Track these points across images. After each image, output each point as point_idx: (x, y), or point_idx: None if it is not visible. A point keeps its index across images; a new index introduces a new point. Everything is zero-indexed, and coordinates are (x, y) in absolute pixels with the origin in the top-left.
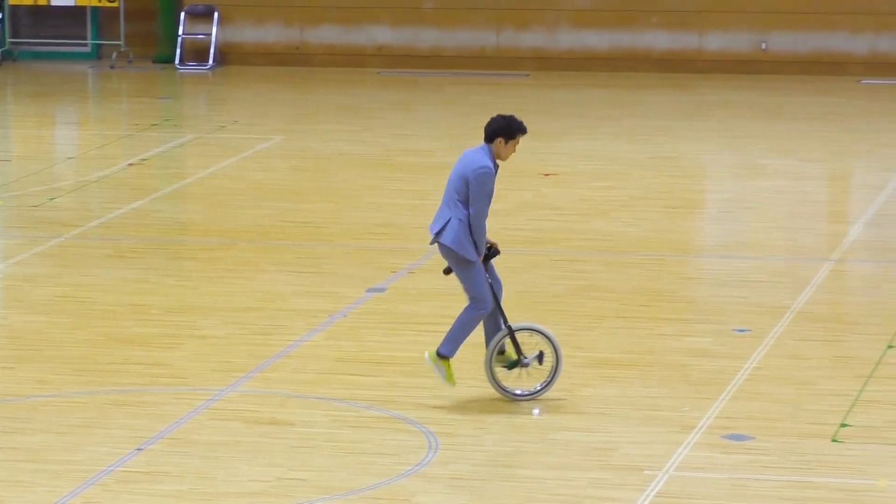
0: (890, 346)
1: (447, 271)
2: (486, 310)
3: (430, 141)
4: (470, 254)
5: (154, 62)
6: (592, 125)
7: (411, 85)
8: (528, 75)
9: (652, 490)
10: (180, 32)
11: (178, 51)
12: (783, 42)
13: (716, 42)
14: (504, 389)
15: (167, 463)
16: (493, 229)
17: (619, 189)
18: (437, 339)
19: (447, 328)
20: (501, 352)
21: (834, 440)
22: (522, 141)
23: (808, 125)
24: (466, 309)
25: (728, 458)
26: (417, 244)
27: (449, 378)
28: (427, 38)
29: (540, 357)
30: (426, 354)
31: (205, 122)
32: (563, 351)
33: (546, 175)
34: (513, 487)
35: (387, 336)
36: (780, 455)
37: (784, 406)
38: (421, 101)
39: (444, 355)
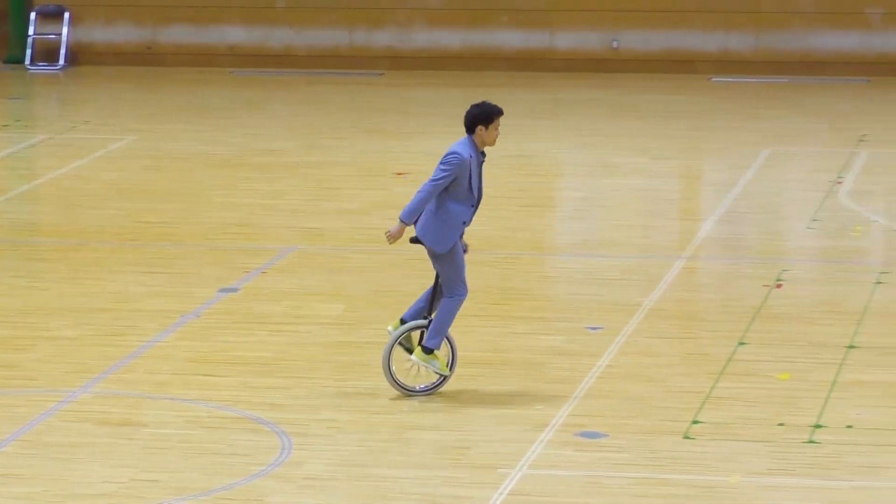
0: (741, 343)
1: (413, 240)
2: (465, 295)
3: (283, 140)
4: (436, 245)
5: (4, 63)
6: (446, 124)
7: (264, 84)
8: (381, 74)
9: (505, 488)
10: (30, 32)
11: (29, 51)
12: (634, 40)
13: (567, 41)
14: (397, 382)
15: (19, 465)
16: (343, 228)
17: None
18: (290, 339)
19: (300, 327)
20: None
21: (686, 437)
22: (375, 140)
23: (660, 123)
24: (445, 299)
25: (581, 456)
26: (271, 244)
27: (443, 368)
28: (279, 37)
29: (440, 374)
30: (413, 357)
31: (56, 122)
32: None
33: (399, 174)
34: (367, 487)
35: (239, 336)
36: (633, 452)
37: (636, 403)
38: (274, 101)
39: (430, 349)
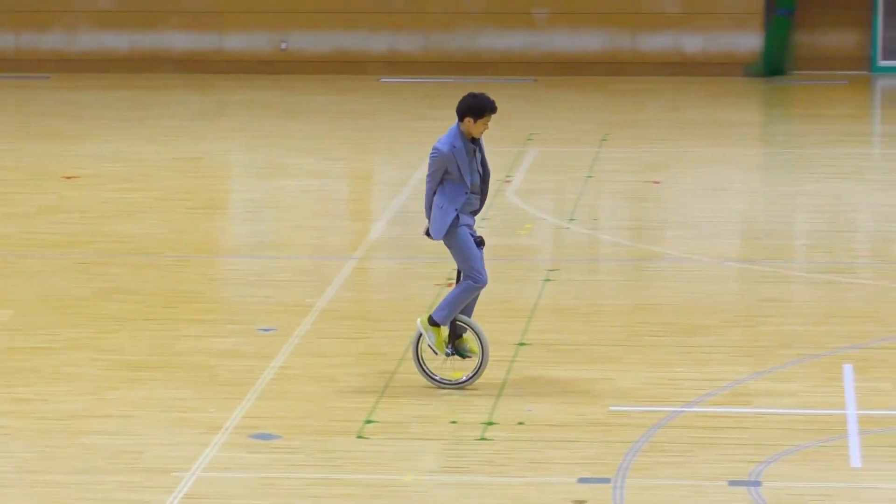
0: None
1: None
2: (480, 282)
3: None
4: (433, 232)
5: None
6: (115, 127)
7: None
8: (48, 77)
9: (180, 491)
10: None
11: None
12: (303, 42)
13: (236, 42)
14: (426, 372)
15: None
16: (11, 233)
17: (143, 191)
18: None
19: None
20: (459, 336)
21: (359, 436)
22: (43, 144)
23: (330, 124)
24: (461, 282)
25: (255, 458)
26: None
27: (438, 346)
28: None
29: (461, 353)
30: (418, 321)
31: None
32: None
33: (68, 178)
34: (41, 493)
35: None
36: (307, 453)
37: (310, 404)
38: None
39: (436, 322)
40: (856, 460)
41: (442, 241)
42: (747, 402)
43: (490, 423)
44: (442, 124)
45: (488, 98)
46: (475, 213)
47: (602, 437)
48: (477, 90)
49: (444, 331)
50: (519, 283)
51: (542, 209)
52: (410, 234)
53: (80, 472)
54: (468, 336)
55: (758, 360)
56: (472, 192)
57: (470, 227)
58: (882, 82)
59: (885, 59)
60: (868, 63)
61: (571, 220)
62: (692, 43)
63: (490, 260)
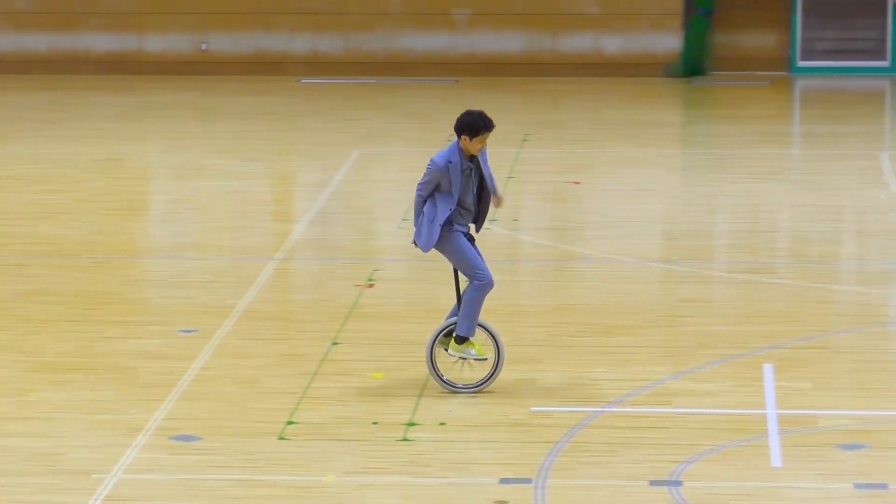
0: (335, 343)
1: None
2: (486, 280)
3: None
4: (420, 242)
5: None
6: (35, 128)
7: None
8: None
9: (101, 493)
10: None
11: None
12: (224, 43)
13: (156, 43)
14: (441, 379)
15: None
16: None
17: (63, 192)
18: None
19: None
20: (448, 334)
21: (281, 437)
22: None
23: (250, 125)
24: (468, 286)
25: (176, 459)
26: None
27: (480, 352)
28: None
29: (478, 359)
30: (450, 351)
31: None
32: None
33: None
34: None
35: None
36: (228, 454)
37: (231, 405)
38: None
39: (465, 336)
40: (776, 460)
41: (419, 247)
42: (668, 402)
43: (412, 424)
44: (363, 125)
45: (484, 116)
46: (467, 227)
47: (523, 437)
48: (391, 90)
49: (473, 343)
50: (439, 284)
51: None
52: (331, 235)
53: (1, 474)
54: (474, 340)
55: (678, 361)
56: (463, 208)
57: (464, 231)
58: (801, 83)
59: (803, 59)
60: (787, 63)
61: (492, 220)
62: (612, 44)
63: (410, 261)
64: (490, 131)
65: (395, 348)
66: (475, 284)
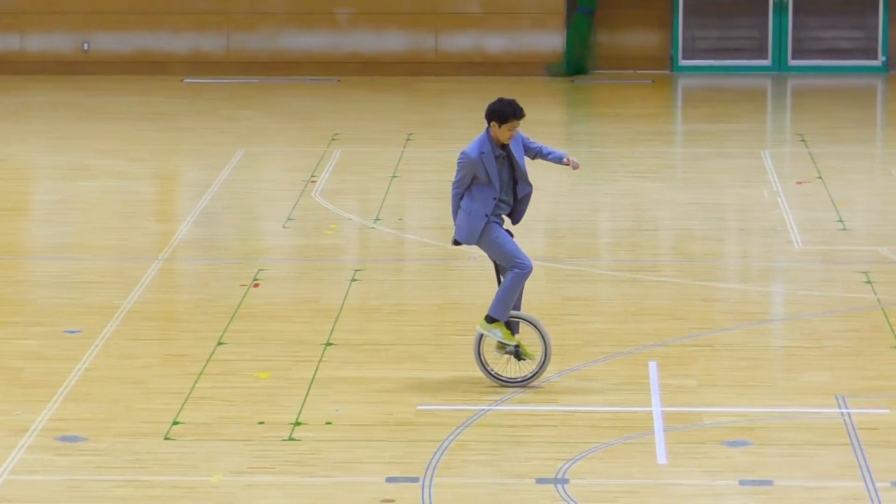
0: (220, 343)
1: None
2: (526, 268)
3: None
4: (462, 236)
5: None
6: None
7: None
8: None
9: None
10: None
11: None
12: (106, 42)
13: (37, 43)
14: (489, 372)
15: None
16: None
17: None
18: None
19: None
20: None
21: (167, 438)
22: None
23: (133, 125)
24: (508, 274)
25: (62, 460)
26: None
27: (507, 336)
28: None
29: (518, 355)
30: (478, 327)
31: None
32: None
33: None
34: None
35: None
36: (114, 455)
37: (116, 406)
38: None
39: (495, 318)
40: (662, 457)
41: (459, 241)
42: (554, 400)
43: (298, 424)
44: (247, 124)
45: (515, 104)
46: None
47: (410, 436)
48: (274, 89)
49: (503, 325)
50: (325, 283)
51: (348, 209)
52: (216, 234)
53: None
54: (520, 339)
55: (564, 359)
56: (496, 198)
57: (499, 220)
58: (683, 81)
59: (685, 58)
60: (669, 62)
61: (377, 219)
62: (494, 43)
63: (296, 260)
64: (519, 119)
65: (281, 348)
66: (515, 273)
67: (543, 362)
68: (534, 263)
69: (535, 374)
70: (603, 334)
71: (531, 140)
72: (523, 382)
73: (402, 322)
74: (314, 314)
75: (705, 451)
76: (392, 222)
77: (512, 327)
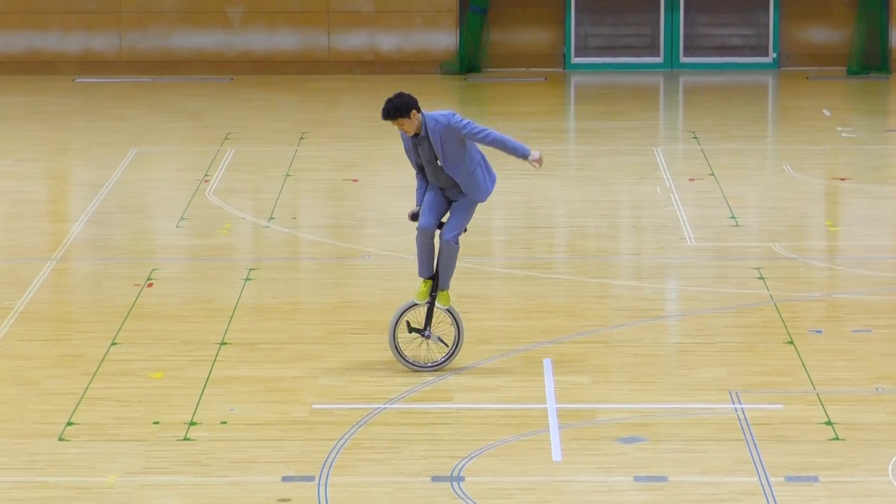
0: (114, 343)
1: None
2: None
3: None
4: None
5: None
6: None
7: None
8: None
9: None
10: None
11: None
12: None
13: None
14: (404, 358)
15: None
16: None
17: None
18: None
19: None
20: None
21: (61, 439)
22: None
23: (24, 125)
24: (451, 247)
25: None
26: None
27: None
28: None
29: (440, 339)
30: (438, 306)
31: None
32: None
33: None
34: None
35: None
36: (9, 456)
37: (10, 407)
38: None
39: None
40: (557, 454)
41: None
42: (449, 398)
43: (193, 424)
44: (139, 124)
45: (385, 104)
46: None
47: (305, 435)
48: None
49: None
50: (219, 282)
51: (242, 208)
52: (109, 235)
53: None
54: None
55: (459, 357)
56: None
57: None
58: (576, 79)
59: (578, 56)
60: (562, 60)
61: (271, 218)
62: (387, 41)
63: (190, 260)
64: (385, 120)
65: (175, 347)
66: (453, 246)
67: (456, 346)
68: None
69: (449, 358)
70: (497, 332)
71: (471, 127)
72: (435, 367)
73: (296, 321)
74: (208, 314)
75: (600, 448)
76: (286, 221)
77: (430, 316)
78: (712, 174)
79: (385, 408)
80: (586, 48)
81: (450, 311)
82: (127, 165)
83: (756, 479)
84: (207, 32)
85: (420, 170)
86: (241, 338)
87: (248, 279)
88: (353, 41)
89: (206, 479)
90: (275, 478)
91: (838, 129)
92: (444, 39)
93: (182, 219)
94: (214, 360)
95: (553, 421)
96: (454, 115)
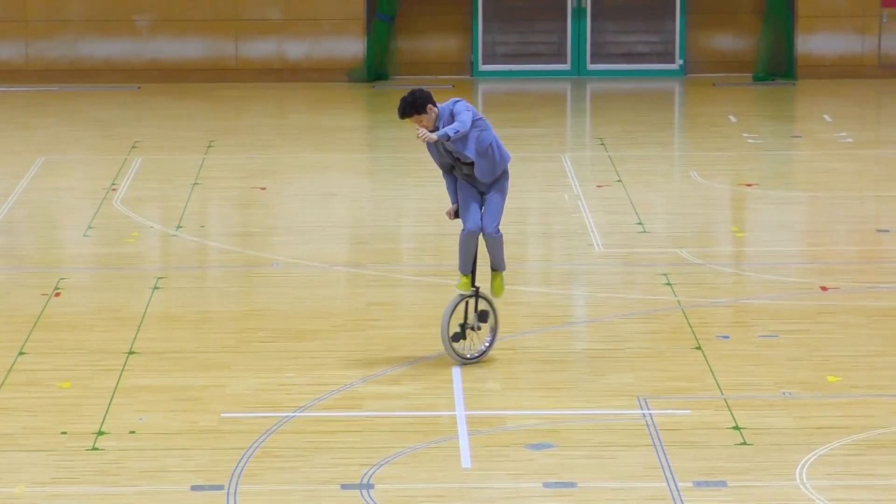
0: (21, 353)
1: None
2: (462, 231)
3: None
4: (500, 167)
5: None
6: None
7: None
8: None
9: None
10: None
11: None
12: None
13: None
14: (456, 353)
15: None
16: None
17: None
18: None
19: None
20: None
21: None
22: None
23: None
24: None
25: None
26: None
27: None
28: None
29: (482, 316)
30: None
31: None
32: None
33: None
34: None
35: None
36: None
37: None
38: None
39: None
40: (466, 461)
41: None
42: (358, 405)
43: (101, 433)
44: (47, 132)
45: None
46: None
47: (214, 443)
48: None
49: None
50: (127, 291)
51: (149, 217)
52: (16, 243)
53: None
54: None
55: (368, 364)
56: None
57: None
58: (483, 86)
59: (485, 63)
60: (469, 67)
61: (179, 227)
62: (295, 49)
63: (98, 269)
64: (402, 118)
65: (83, 357)
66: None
67: (495, 334)
68: (336, 269)
69: (490, 346)
70: (406, 339)
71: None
72: (478, 357)
73: (205, 329)
74: (116, 323)
75: (509, 455)
76: (194, 230)
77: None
78: (620, 181)
79: (294, 416)
80: (494, 55)
81: (487, 299)
82: (34, 174)
83: (665, 484)
84: (115, 41)
85: (447, 169)
86: (150, 347)
87: (156, 288)
88: (261, 49)
89: (115, 489)
90: (184, 487)
91: (745, 135)
92: (352, 47)
93: (90, 228)
94: (122, 370)
95: (462, 428)
96: (459, 101)
